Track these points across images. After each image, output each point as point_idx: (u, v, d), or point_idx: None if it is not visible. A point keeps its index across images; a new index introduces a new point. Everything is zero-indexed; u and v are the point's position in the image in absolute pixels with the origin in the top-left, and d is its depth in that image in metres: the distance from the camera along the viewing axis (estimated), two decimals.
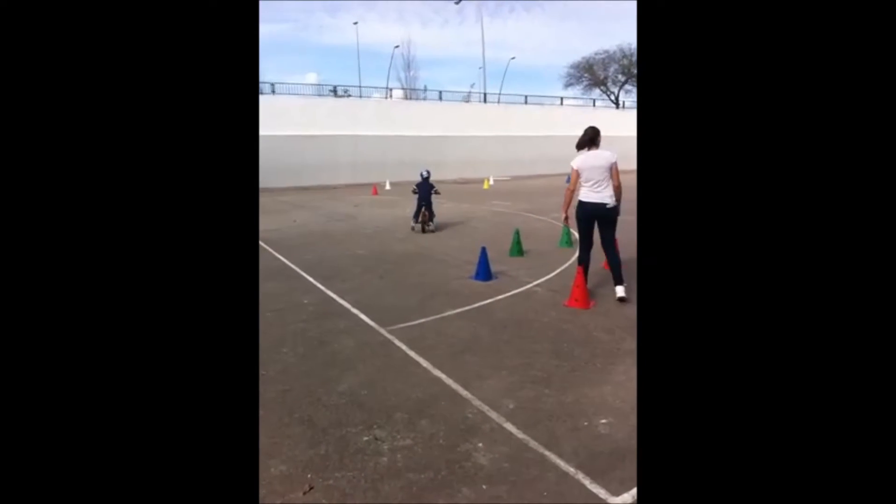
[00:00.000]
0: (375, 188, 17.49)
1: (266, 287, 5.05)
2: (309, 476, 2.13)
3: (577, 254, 5.04)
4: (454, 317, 4.20)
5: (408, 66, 38.29)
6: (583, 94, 39.12)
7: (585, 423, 2.51)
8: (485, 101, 28.73)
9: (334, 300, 4.72)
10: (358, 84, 33.14)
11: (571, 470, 2.14)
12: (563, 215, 4.90)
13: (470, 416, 2.60)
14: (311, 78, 30.18)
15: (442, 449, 2.31)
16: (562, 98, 32.22)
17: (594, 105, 34.51)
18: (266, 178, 15.49)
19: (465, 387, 2.91)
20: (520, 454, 2.26)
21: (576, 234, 5.21)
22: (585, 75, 39.69)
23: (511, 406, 2.69)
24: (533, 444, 2.34)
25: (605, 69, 39.02)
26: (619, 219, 4.46)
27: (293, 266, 6.13)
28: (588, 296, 4.42)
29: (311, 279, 5.50)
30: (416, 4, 67.06)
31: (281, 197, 15.55)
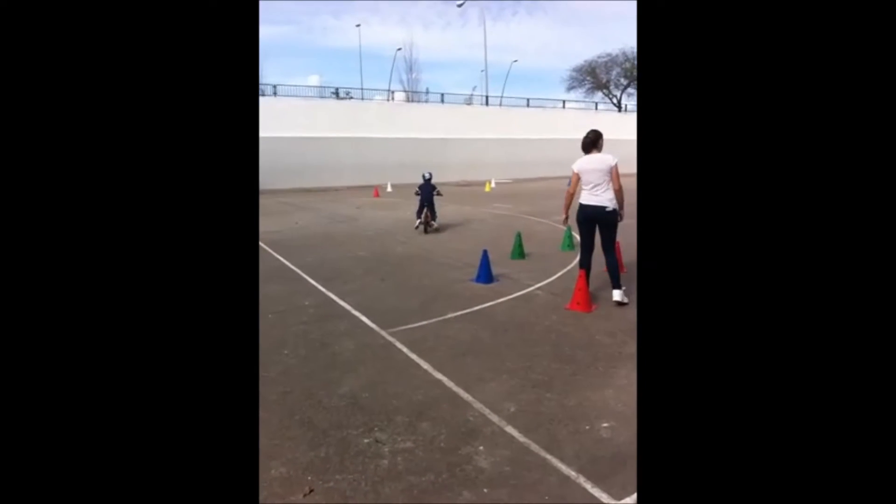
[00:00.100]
0: (377, 190, 17.51)
1: (268, 289, 5.05)
2: (309, 478, 2.13)
3: (578, 257, 5.04)
4: (455, 319, 4.19)
5: (410, 68, 38.38)
6: (585, 97, 39.28)
7: (587, 427, 2.50)
8: (487, 103, 28.76)
9: (335, 302, 4.72)
10: (360, 86, 33.22)
11: (573, 474, 2.13)
12: (564, 216, 4.91)
13: (471, 419, 2.60)
14: (314, 80, 30.29)
15: (443, 452, 2.31)
16: (564, 101, 32.30)
17: (596, 108, 34.58)
18: (268, 179, 15.63)
19: (467, 390, 2.90)
20: (521, 457, 2.26)
21: (577, 238, 5.20)
22: (588, 78, 39.79)
23: (512, 409, 2.68)
24: (534, 447, 2.33)
25: (608, 72, 39.15)
26: (621, 222, 4.46)
27: (294, 268, 6.13)
28: (590, 299, 4.41)
29: (312, 281, 5.50)
30: (418, 7, 67.35)
31: (283, 198, 15.60)
